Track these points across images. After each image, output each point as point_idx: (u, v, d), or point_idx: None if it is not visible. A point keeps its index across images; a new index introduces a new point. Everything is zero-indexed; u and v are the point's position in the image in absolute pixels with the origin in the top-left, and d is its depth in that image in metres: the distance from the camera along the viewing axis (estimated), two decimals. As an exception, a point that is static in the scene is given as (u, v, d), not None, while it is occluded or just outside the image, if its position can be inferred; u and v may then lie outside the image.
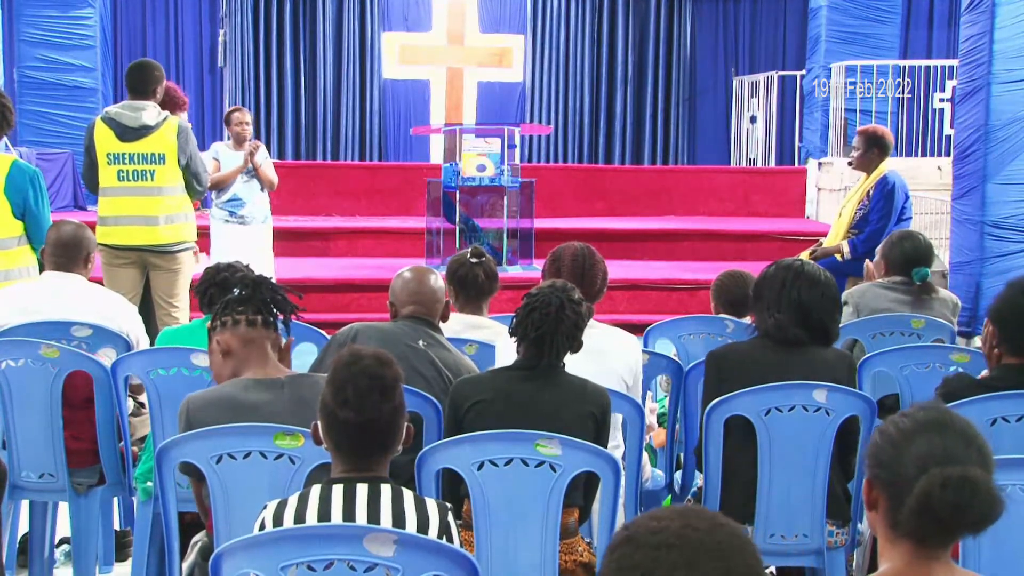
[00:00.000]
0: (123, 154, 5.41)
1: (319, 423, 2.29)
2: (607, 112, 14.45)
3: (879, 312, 4.43)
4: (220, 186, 7.24)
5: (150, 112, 5.41)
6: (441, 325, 3.48)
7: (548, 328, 2.86)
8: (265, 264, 7.06)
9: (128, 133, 5.39)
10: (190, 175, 5.52)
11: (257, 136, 13.37)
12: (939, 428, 1.78)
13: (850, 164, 6.46)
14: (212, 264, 3.81)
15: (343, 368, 2.26)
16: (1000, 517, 1.71)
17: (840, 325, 4.33)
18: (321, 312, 7.49)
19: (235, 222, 7.25)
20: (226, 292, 3.54)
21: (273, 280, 2.97)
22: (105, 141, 5.42)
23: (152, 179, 5.43)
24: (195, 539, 2.94)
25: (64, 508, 3.77)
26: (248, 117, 7.41)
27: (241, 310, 2.82)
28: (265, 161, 7.33)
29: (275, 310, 2.86)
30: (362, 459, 2.25)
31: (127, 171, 5.41)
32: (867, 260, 5.08)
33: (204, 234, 7.25)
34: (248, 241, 7.14)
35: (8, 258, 4.80)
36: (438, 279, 3.52)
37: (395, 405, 2.25)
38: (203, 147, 7.92)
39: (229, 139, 7.50)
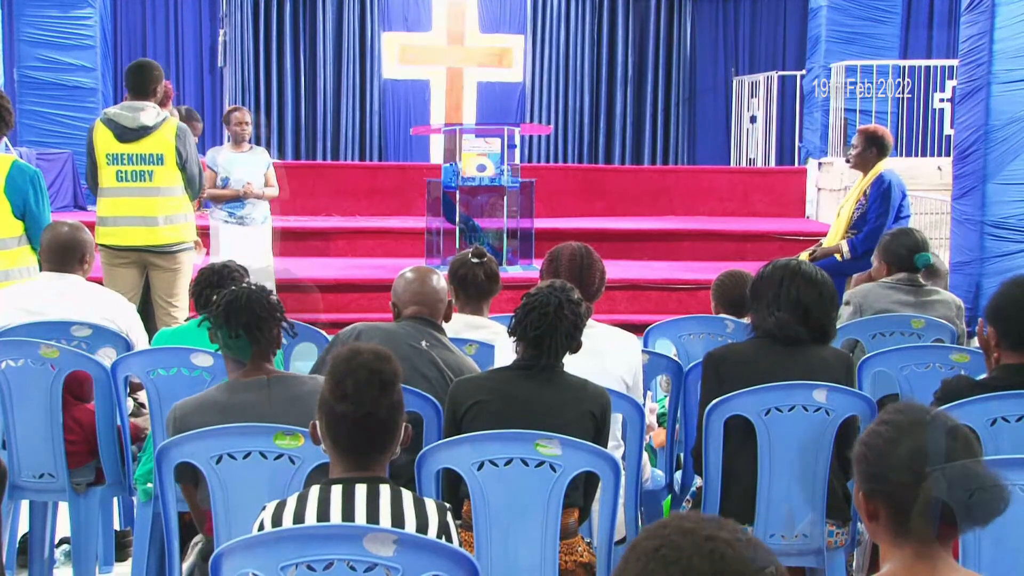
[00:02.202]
0: (122, 154, 5.41)
1: (318, 421, 2.29)
2: (607, 112, 14.45)
3: (882, 312, 4.42)
4: (214, 201, 7.24)
5: (149, 113, 5.41)
6: (443, 325, 3.48)
7: (547, 328, 2.85)
8: (265, 264, 7.06)
9: (127, 134, 5.40)
10: (187, 176, 5.52)
11: (257, 136, 13.40)
12: (922, 428, 1.78)
13: (848, 162, 6.46)
14: (207, 264, 3.82)
15: (342, 362, 2.26)
16: (1007, 507, 1.72)
17: (841, 325, 4.36)
18: (321, 312, 7.49)
19: (235, 223, 7.24)
20: (207, 289, 3.59)
21: (272, 282, 2.95)
22: (104, 142, 5.43)
23: (151, 179, 5.43)
24: (195, 540, 2.95)
25: (64, 508, 3.77)
26: (248, 117, 7.38)
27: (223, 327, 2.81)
28: (269, 170, 7.32)
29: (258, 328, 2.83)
30: (360, 457, 2.25)
31: (126, 171, 5.42)
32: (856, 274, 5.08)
33: (204, 234, 7.25)
34: (248, 242, 7.14)
35: (8, 258, 4.80)
36: (440, 279, 3.52)
37: (393, 401, 2.25)
38: (206, 147, 7.92)
39: (228, 140, 7.48)
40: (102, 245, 5.43)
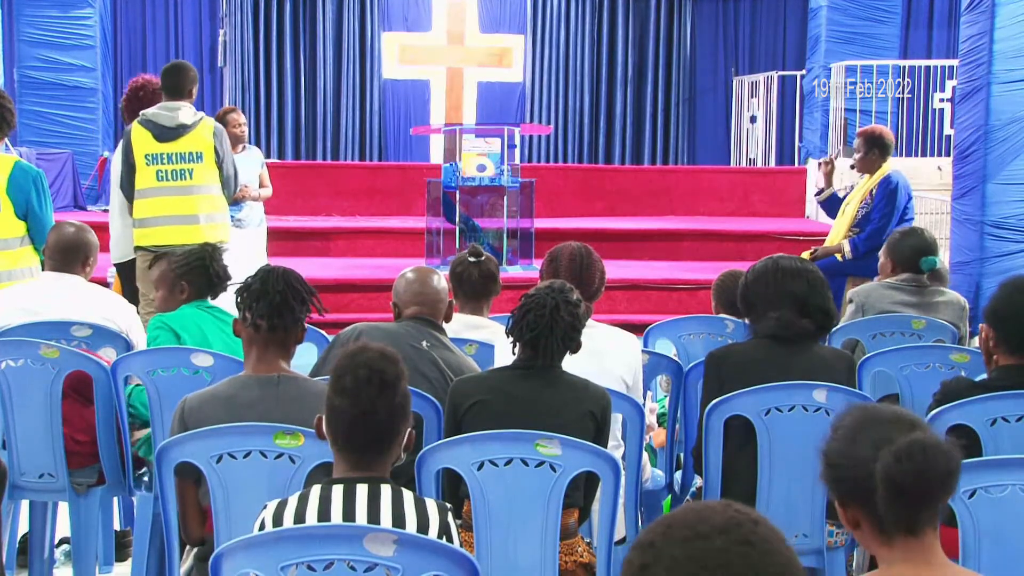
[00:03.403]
0: (161, 154, 5.41)
1: (323, 416, 2.29)
2: (607, 112, 14.45)
3: (884, 313, 4.41)
4: None
5: (186, 112, 5.42)
6: (444, 325, 3.47)
7: (543, 330, 2.85)
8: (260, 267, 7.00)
9: (165, 133, 5.39)
10: (223, 175, 5.52)
11: (257, 136, 13.40)
12: (870, 424, 1.82)
13: (852, 167, 6.46)
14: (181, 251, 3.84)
15: (347, 358, 2.25)
16: (960, 468, 1.76)
17: (842, 324, 4.36)
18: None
19: (232, 226, 7.18)
20: (201, 275, 3.57)
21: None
22: (143, 142, 5.41)
23: (190, 178, 5.43)
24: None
25: (64, 508, 3.77)
26: (243, 118, 7.34)
27: (266, 314, 2.80)
28: (263, 170, 7.27)
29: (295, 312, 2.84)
30: (359, 456, 2.24)
31: (166, 171, 5.41)
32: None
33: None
34: (244, 244, 7.08)
35: (11, 258, 4.80)
36: (441, 280, 3.51)
37: (393, 403, 2.23)
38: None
39: None
40: (140, 248, 5.44)
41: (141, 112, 5.54)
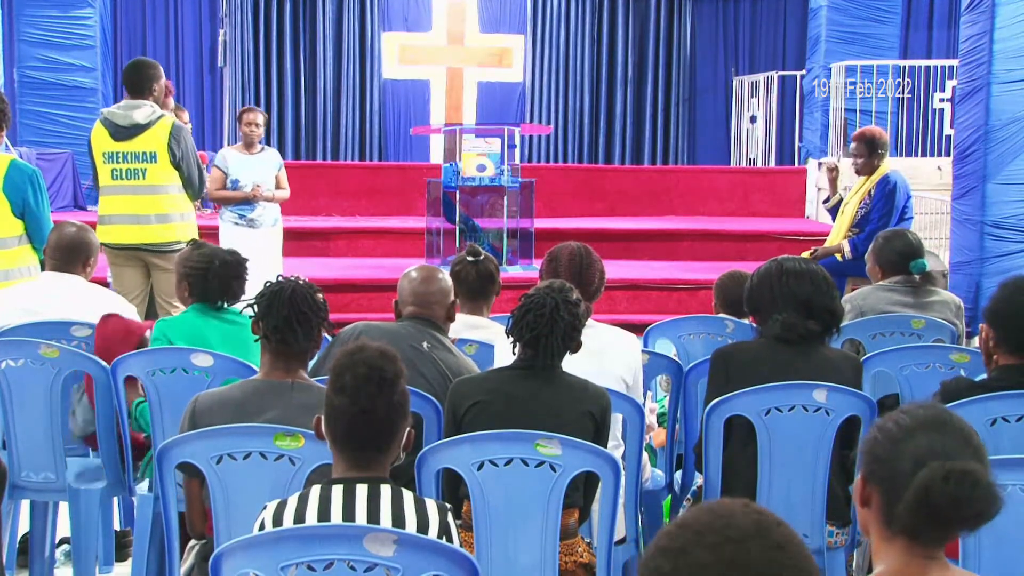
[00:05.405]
0: (116, 153, 5.44)
1: (322, 415, 2.29)
2: (607, 112, 14.46)
3: (883, 314, 4.41)
4: (222, 203, 7.21)
5: (143, 111, 5.42)
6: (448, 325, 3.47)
7: (543, 330, 2.85)
8: (274, 267, 6.99)
9: (120, 132, 5.42)
10: (183, 175, 5.51)
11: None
12: (938, 426, 1.77)
13: (855, 168, 6.47)
14: (192, 248, 3.81)
15: (346, 356, 2.25)
16: (997, 514, 1.71)
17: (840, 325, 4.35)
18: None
19: (244, 225, 7.17)
20: (199, 282, 3.54)
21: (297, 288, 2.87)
22: (101, 140, 5.45)
23: (143, 178, 5.45)
24: (191, 543, 2.94)
25: (64, 508, 3.77)
26: (259, 118, 7.26)
27: (271, 331, 2.81)
28: (280, 171, 7.28)
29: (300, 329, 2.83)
30: (358, 455, 2.24)
31: (120, 170, 5.45)
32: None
33: (209, 235, 7.22)
34: (257, 245, 7.07)
35: (8, 257, 4.80)
36: (445, 279, 3.50)
37: (392, 401, 2.23)
38: (205, 147, 7.88)
39: (239, 140, 7.41)
40: (103, 244, 5.45)
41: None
